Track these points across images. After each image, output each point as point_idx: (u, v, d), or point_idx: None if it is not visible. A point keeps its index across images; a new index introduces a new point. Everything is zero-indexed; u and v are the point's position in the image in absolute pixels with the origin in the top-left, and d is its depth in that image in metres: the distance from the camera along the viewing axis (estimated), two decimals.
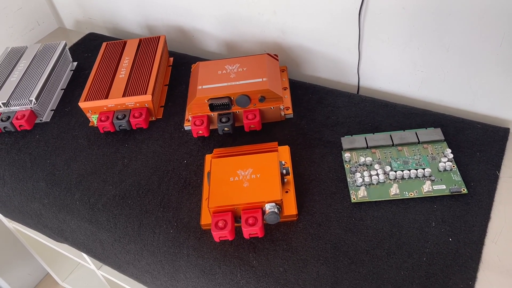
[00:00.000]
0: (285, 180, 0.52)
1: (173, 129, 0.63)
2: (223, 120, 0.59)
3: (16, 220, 0.67)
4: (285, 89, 0.65)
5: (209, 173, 0.51)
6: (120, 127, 0.62)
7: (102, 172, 0.58)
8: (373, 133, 0.56)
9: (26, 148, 0.63)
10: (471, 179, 0.50)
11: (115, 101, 0.62)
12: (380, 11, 0.57)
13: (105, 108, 0.62)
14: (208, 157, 0.57)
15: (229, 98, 0.58)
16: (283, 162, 0.52)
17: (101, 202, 0.55)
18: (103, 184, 0.56)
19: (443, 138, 0.54)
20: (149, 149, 0.60)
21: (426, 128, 0.56)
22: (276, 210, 0.47)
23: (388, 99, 0.62)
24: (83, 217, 0.54)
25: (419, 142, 0.54)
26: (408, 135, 0.55)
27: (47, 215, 0.58)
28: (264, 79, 0.59)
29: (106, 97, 0.62)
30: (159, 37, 0.72)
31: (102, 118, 0.62)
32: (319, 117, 0.61)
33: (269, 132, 0.60)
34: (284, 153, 0.55)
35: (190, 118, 0.60)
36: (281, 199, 0.47)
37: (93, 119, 0.64)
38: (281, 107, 0.60)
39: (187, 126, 0.62)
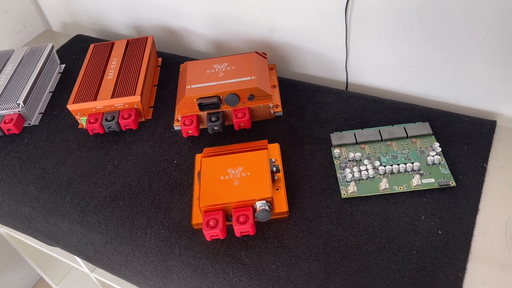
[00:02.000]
0: (276, 177, 0.52)
1: (162, 130, 0.63)
2: (213, 119, 0.59)
3: (7, 225, 0.67)
4: (274, 87, 0.65)
5: (199, 173, 0.51)
6: (110, 129, 0.62)
7: (92, 174, 0.58)
8: (362, 129, 0.57)
9: (15, 152, 0.63)
10: (459, 172, 0.50)
11: (104, 102, 0.62)
12: (366, 7, 0.57)
13: (94, 110, 0.62)
14: (198, 156, 0.57)
15: (218, 97, 0.58)
16: (273, 160, 0.52)
17: (92, 204, 0.54)
18: (94, 186, 0.56)
19: (431, 132, 0.54)
20: (139, 150, 0.60)
21: (414, 123, 0.56)
22: (267, 207, 0.47)
23: (376, 95, 0.62)
24: (74, 220, 0.54)
25: (407, 137, 0.54)
26: (397, 130, 0.55)
27: (38, 219, 0.58)
28: (252, 78, 0.59)
29: (95, 99, 0.62)
30: (147, 37, 0.72)
31: (91, 120, 0.61)
32: (309, 114, 0.61)
33: (259, 130, 0.60)
34: (274, 150, 0.56)
35: (180, 118, 0.60)
36: (272, 197, 0.47)
37: (82, 121, 0.63)
38: (270, 105, 0.60)
39: (177, 126, 0.62)
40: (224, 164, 0.51)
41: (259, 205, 0.47)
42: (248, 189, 0.48)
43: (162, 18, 0.77)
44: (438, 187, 0.49)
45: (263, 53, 0.65)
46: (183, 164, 0.57)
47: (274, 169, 0.51)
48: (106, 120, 0.61)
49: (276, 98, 0.63)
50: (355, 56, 0.63)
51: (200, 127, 0.61)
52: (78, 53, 0.81)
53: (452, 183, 0.49)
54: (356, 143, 0.55)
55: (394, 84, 0.64)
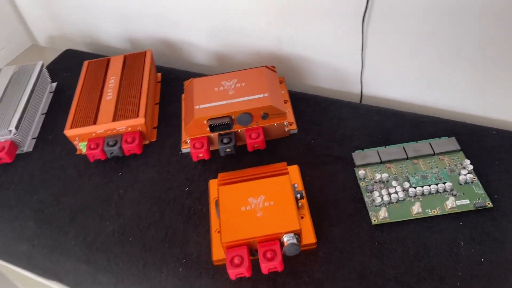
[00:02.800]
0: (299, 204, 0.48)
1: (169, 153, 0.58)
2: (225, 141, 0.55)
3: (2, 259, 0.61)
4: (285, 102, 0.62)
5: (217, 202, 0.47)
6: (112, 154, 0.57)
7: (96, 205, 0.53)
8: (385, 146, 0.53)
9: (9, 184, 0.58)
10: (493, 191, 0.48)
11: (105, 126, 0.57)
12: (385, 17, 0.53)
13: (93, 134, 0.57)
14: (212, 183, 0.53)
15: (230, 117, 0.55)
16: (295, 185, 0.48)
17: (99, 240, 0.50)
18: (100, 220, 0.52)
19: (459, 148, 0.51)
20: (145, 176, 0.56)
21: (439, 138, 0.53)
22: (295, 240, 0.43)
23: (394, 107, 0.59)
24: (80, 258, 0.50)
25: (434, 154, 0.51)
26: (422, 146, 0.52)
27: (38, 257, 0.53)
28: (265, 95, 0.55)
29: (95, 123, 0.57)
30: (146, 52, 0.68)
31: (92, 146, 0.57)
32: (325, 130, 0.58)
33: (274, 151, 0.56)
34: (293, 173, 0.52)
35: (189, 141, 0.56)
36: (300, 229, 0.43)
37: (81, 146, 0.59)
38: (285, 123, 0.56)
39: (185, 149, 0.58)
40: (244, 192, 0.47)
41: (286, 238, 0.43)
42: (273, 220, 0.44)
43: (159, 29, 0.73)
44: (474, 208, 0.46)
45: (272, 66, 0.61)
46: (195, 191, 0.53)
47: (298, 196, 0.47)
48: (108, 145, 0.57)
49: (290, 115, 0.60)
50: (371, 67, 0.60)
51: (211, 148, 0.57)
52: (69, 70, 0.75)
53: (489, 204, 0.46)
54: (381, 162, 0.52)
55: (413, 96, 0.60)
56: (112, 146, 0.57)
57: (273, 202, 0.46)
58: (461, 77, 0.55)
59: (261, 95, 0.56)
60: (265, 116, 0.55)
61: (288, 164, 0.53)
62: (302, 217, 0.48)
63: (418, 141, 0.53)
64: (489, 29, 0.49)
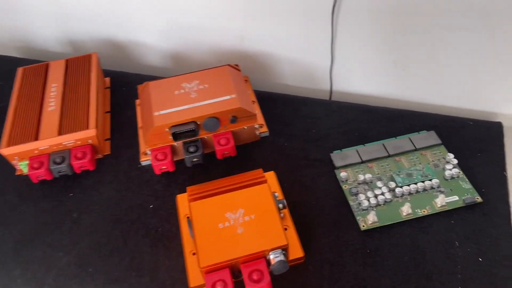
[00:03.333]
0: (282, 215, 0.44)
1: (127, 167, 0.52)
2: (191, 149, 0.49)
3: None
4: (253, 103, 0.57)
5: (189, 220, 0.41)
6: (60, 173, 0.50)
7: (45, 234, 0.46)
8: (364, 144, 0.50)
9: None
10: (480, 184, 0.46)
11: (49, 141, 0.49)
12: (356, 7, 0.50)
13: (36, 151, 0.49)
14: (181, 198, 0.47)
15: (195, 123, 0.49)
16: (276, 194, 0.44)
17: (52, 275, 0.43)
18: (51, 251, 0.44)
19: (440, 141, 0.49)
20: (102, 196, 0.49)
21: (418, 132, 0.51)
22: (283, 257, 0.38)
23: (367, 103, 0.56)
24: None
25: (416, 149, 0.49)
26: (402, 142, 0.49)
27: None
28: (232, 96, 0.50)
29: (36, 138, 0.49)
30: (91, 55, 0.60)
31: (35, 165, 0.49)
32: (298, 131, 0.54)
33: (246, 157, 0.51)
34: (270, 180, 0.47)
35: (149, 152, 0.50)
36: (287, 244, 0.39)
37: (22, 166, 0.50)
38: (256, 125, 0.52)
39: (145, 161, 0.51)
40: (220, 207, 0.42)
41: (273, 255, 0.38)
42: (257, 237, 0.39)
43: (104, 30, 0.65)
44: (464, 205, 0.44)
45: (235, 65, 0.56)
46: (161, 208, 0.47)
47: (280, 205, 0.42)
48: (55, 162, 0.49)
49: (259, 116, 0.55)
50: (341, 62, 0.57)
51: (175, 158, 0.51)
52: (0, 79, 0.66)
53: (478, 199, 0.44)
54: (362, 162, 0.49)
55: (386, 90, 0.58)
56: (60, 163, 0.49)
57: (254, 215, 0.41)
58: (435, 68, 0.53)
59: (228, 97, 0.50)
60: (234, 120, 0.50)
61: (263, 171, 0.49)
62: (285, 229, 0.43)
63: (397, 137, 0.51)
64: (462, 18, 0.47)
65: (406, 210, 0.43)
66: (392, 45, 0.52)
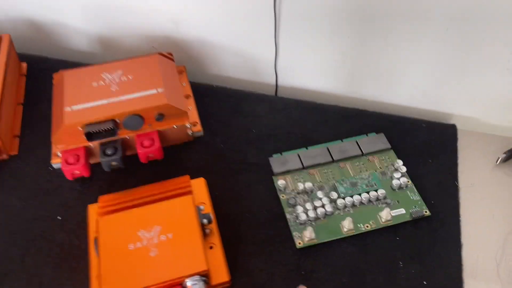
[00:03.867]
0: (207, 231, 0.38)
1: (36, 170, 0.44)
2: (108, 152, 0.43)
3: None
4: (187, 97, 0.50)
5: (96, 240, 0.35)
6: None
7: None
8: (307, 148, 0.45)
9: None
10: (430, 194, 0.42)
11: None
12: None
13: None
14: (92, 208, 0.40)
15: (114, 121, 0.42)
16: (201, 208, 0.38)
17: None
18: None
19: (389, 146, 0.45)
20: (1, 204, 0.42)
21: (367, 135, 0.46)
22: (202, 285, 0.33)
23: (314, 100, 0.51)
24: None
25: (363, 154, 0.44)
26: (349, 146, 0.45)
27: None
28: (159, 90, 0.44)
29: None
30: (1, 36, 0.52)
31: None
32: (238, 131, 0.48)
33: (174, 160, 0.45)
34: (199, 189, 0.41)
35: (60, 154, 0.43)
36: (208, 269, 0.33)
37: None
38: (187, 124, 0.45)
39: (57, 164, 0.44)
40: (133, 223, 0.36)
41: (190, 283, 0.33)
42: (173, 261, 0.34)
43: (20, 7, 0.56)
44: (411, 219, 0.40)
45: (168, 53, 0.50)
46: (71, 220, 0.41)
47: (205, 220, 0.37)
48: None
49: (193, 113, 0.49)
50: (286, 53, 0.51)
51: (92, 161, 0.44)
52: None
53: (426, 213, 0.40)
54: (303, 168, 0.43)
55: (335, 86, 0.53)
56: None
57: (171, 234, 0.35)
58: (387, 63, 0.48)
59: (154, 91, 0.44)
60: (160, 118, 0.43)
61: (193, 177, 0.43)
62: (211, 247, 0.37)
63: (344, 140, 0.46)
64: (419, 10, 0.42)
65: (347, 225, 0.38)
66: (340, 36, 0.47)
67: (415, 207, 0.40)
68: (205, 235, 0.38)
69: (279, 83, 0.54)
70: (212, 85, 0.53)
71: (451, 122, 0.48)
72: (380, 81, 0.50)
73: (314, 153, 0.44)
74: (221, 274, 0.36)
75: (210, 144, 0.47)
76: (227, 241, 0.39)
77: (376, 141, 0.45)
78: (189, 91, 0.51)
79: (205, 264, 0.33)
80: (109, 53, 0.58)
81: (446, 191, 0.42)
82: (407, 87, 0.50)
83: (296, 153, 0.44)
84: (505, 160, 0.44)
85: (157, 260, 0.33)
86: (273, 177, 0.43)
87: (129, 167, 0.44)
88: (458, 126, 0.48)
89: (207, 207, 0.40)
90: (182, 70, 0.53)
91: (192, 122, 0.47)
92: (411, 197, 0.41)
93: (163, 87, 0.44)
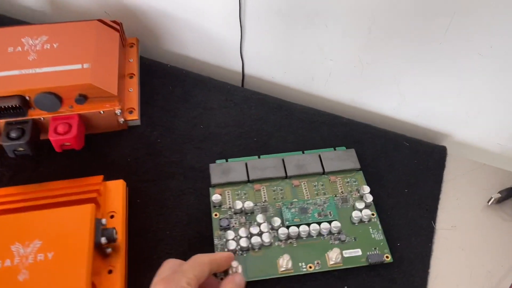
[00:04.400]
0: (108, 251, 0.30)
1: None
2: (13, 135, 0.35)
3: None
4: (131, 76, 0.42)
5: None
6: None
7: None
8: (259, 157, 0.37)
9: None
10: (397, 235, 0.33)
11: None
12: None
13: None
14: None
15: (22, 98, 0.35)
16: (103, 222, 0.30)
17: None
18: None
19: (358, 166, 0.36)
20: None
21: (335, 149, 0.38)
22: None
23: (283, 97, 0.43)
24: None
25: (324, 173, 0.36)
26: (309, 160, 0.36)
27: None
28: (85, 66, 0.36)
29: None
30: None
31: None
32: (182, 125, 0.40)
33: (96, 152, 0.38)
34: (115, 193, 0.34)
35: None
36: None
37: None
38: (117, 111, 0.37)
39: None
40: (8, 232, 0.28)
41: None
42: (44, 286, 0.26)
43: None
44: (367, 264, 0.31)
45: (114, 21, 0.41)
46: None
47: (103, 240, 0.29)
48: None
49: (132, 97, 0.40)
50: (254, 37, 0.42)
51: None
52: None
53: (388, 258, 0.32)
54: (248, 181, 0.35)
55: (308, 84, 0.44)
56: None
57: (53, 253, 0.27)
58: (373, 63, 0.39)
59: (79, 66, 0.36)
60: (81, 100, 0.36)
61: (112, 177, 0.35)
62: (110, 271, 0.30)
63: (306, 151, 0.37)
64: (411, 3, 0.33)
65: (284, 263, 0.30)
66: (319, 24, 0.38)
67: (375, 249, 0.32)
68: (104, 255, 0.30)
69: (247, 72, 0.46)
70: (167, 65, 0.45)
71: (442, 143, 0.40)
72: (362, 83, 0.41)
73: (266, 163, 0.36)
74: None
75: (145, 137, 0.39)
76: (135, 265, 0.31)
77: (344, 157, 0.37)
78: (135, 69, 0.43)
79: None
80: (58, 14, 0.50)
81: (418, 232, 0.34)
82: (394, 93, 0.41)
83: (245, 161, 0.36)
84: (498, 201, 0.35)
85: (25, 286, 0.26)
86: (210, 189, 0.35)
87: (40, 154, 0.37)
88: (449, 150, 0.39)
89: (116, 219, 0.32)
90: (134, 43, 0.45)
91: (128, 108, 0.39)
92: (373, 236, 0.33)
93: (91, 62, 0.36)
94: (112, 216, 0.32)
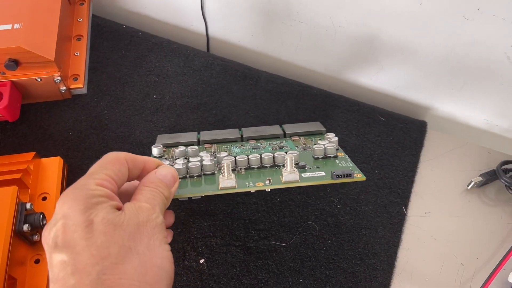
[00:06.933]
0: (34, 238, 0.27)
1: None
2: None
3: None
4: (79, 39, 0.38)
5: None
6: None
7: None
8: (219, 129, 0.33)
9: None
10: (363, 222, 0.30)
11: None
12: None
13: None
14: None
15: None
16: (27, 206, 0.27)
17: None
18: None
19: (323, 128, 0.31)
20: None
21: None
22: None
23: (250, 64, 0.38)
24: None
25: (285, 136, 0.31)
26: (270, 129, 0.32)
27: None
28: (16, 26, 0.32)
29: None
30: None
31: None
32: (133, 94, 0.36)
33: (33, 124, 0.34)
34: (50, 172, 0.30)
35: None
36: None
37: None
38: (57, 78, 0.33)
39: None
40: None
41: None
42: None
43: None
44: (331, 181, 0.26)
45: None
46: None
47: (26, 227, 0.26)
48: None
49: (78, 62, 0.36)
50: None
51: None
52: None
53: (359, 176, 0.26)
54: (199, 144, 0.31)
55: (278, 49, 0.39)
56: None
57: None
58: (349, 24, 0.34)
59: (9, 26, 0.31)
60: (12, 65, 0.31)
61: (49, 154, 0.31)
62: (37, 261, 0.27)
63: (267, 126, 0.33)
64: None
65: (225, 184, 0.25)
66: None
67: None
68: (31, 243, 0.27)
69: (211, 34, 0.41)
70: (122, 25, 0.40)
71: (422, 118, 0.36)
72: (335, 47, 0.36)
73: (221, 133, 0.32)
74: None
75: (91, 107, 0.35)
76: None
77: (308, 125, 0.32)
78: (84, 31, 0.38)
79: None
80: None
81: (387, 219, 0.30)
82: (372, 61, 0.36)
83: (195, 134, 0.32)
84: (479, 185, 0.31)
85: None
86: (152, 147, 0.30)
87: None
88: (430, 126, 0.35)
89: (50, 202, 0.29)
90: (85, 1, 0.40)
91: (72, 75, 0.35)
92: (340, 164, 0.27)
93: (24, 22, 0.32)
94: (44, 198, 0.29)
